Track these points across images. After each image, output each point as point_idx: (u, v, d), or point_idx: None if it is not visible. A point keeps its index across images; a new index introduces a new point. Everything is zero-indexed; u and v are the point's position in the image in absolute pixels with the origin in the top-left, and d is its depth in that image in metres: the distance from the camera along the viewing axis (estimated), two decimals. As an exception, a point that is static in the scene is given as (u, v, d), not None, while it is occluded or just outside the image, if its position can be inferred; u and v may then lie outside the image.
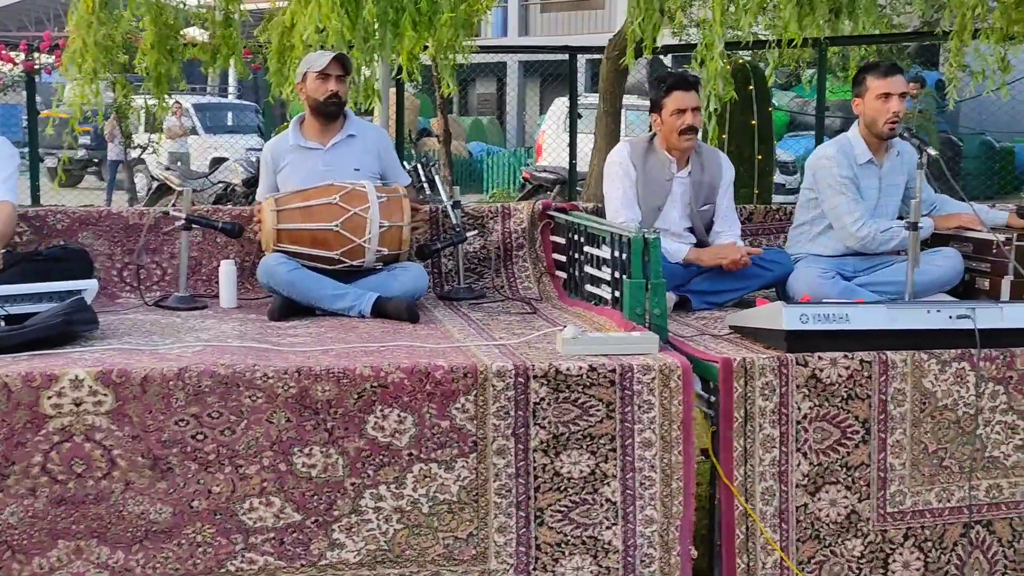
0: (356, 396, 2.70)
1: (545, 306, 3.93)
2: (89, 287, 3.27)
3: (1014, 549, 3.12)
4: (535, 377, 2.79)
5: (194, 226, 3.78)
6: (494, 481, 2.79)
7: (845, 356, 2.96)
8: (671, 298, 3.82)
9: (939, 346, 3.04)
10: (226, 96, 21.87)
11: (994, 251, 3.75)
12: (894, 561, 3.05)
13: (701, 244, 4.06)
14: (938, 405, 3.03)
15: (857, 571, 3.03)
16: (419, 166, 11.68)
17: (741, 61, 8.29)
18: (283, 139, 4.02)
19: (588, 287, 3.77)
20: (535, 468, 2.81)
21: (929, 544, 3.07)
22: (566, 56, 9.54)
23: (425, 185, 11.76)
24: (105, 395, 2.61)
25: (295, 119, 4.05)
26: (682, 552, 2.88)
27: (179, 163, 14.68)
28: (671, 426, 2.86)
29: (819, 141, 9.37)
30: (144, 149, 12.64)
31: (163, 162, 13.99)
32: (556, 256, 4.20)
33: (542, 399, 2.79)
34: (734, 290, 3.88)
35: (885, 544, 3.04)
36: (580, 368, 2.81)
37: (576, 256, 3.91)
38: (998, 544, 3.12)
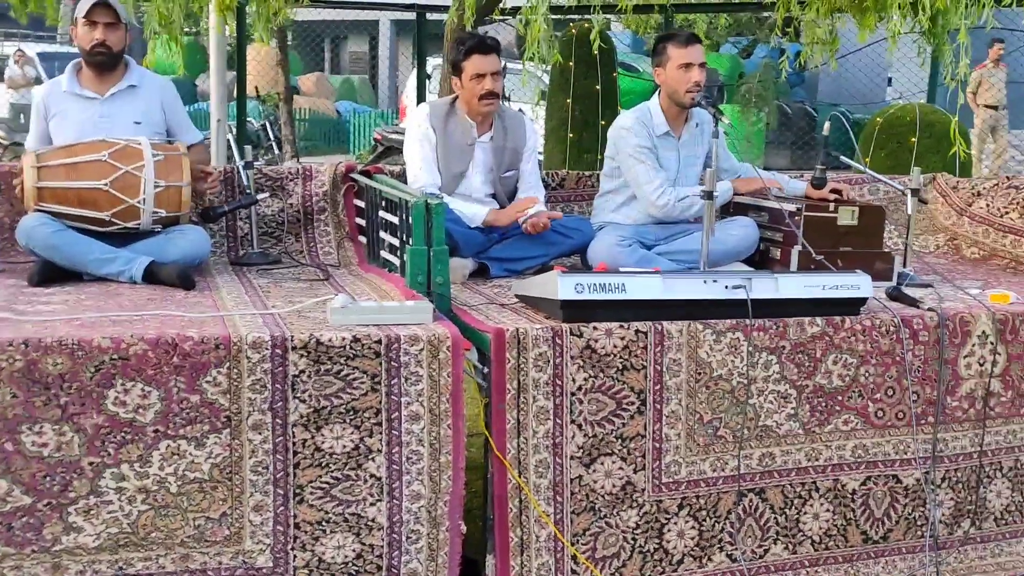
0: (93, 370, 2.51)
1: (342, 273, 3.79)
2: None
3: (785, 516, 3.16)
4: (294, 348, 2.65)
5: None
6: (250, 458, 2.65)
7: (620, 327, 2.92)
8: (469, 265, 3.74)
9: (715, 316, 3.02)
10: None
11: (785, 222, 3.78)
12: (669, 531, 3.04)
13: (505, 212, 3.97)
14: (713, 375, 3.03)
15: (632, 541, 3.01)
16: (266, 124, 11.38)
17: (588, 25, 8.25)
18: (57, 84, 3.74)
19: (383, 253, 3.65)
20: (294, 444, 2.68)
21: (704, 513, 3.08)
22: (443, 16, 9.28)
23: (273, 144, 11.45)
24: None
25: (72, 64, 3.76)
26: (451, 527, 2.81)
27: (21, 116, 13.89)
28: (440, 399, 2.77)
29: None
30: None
31: (4, 114, 13.23)
32: (360, 221, 4.05)
33: (302, 371, 2.66)
34: (533, 257, 3.82)
35: (660, 514, 3.03)
36: (343, 339, 2.68)
37: (375, 221, 3.78)
38: (770, 511, 3.15)
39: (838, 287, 3.12)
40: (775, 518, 3.16)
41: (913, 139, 7.40)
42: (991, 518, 3.41)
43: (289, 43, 23.66)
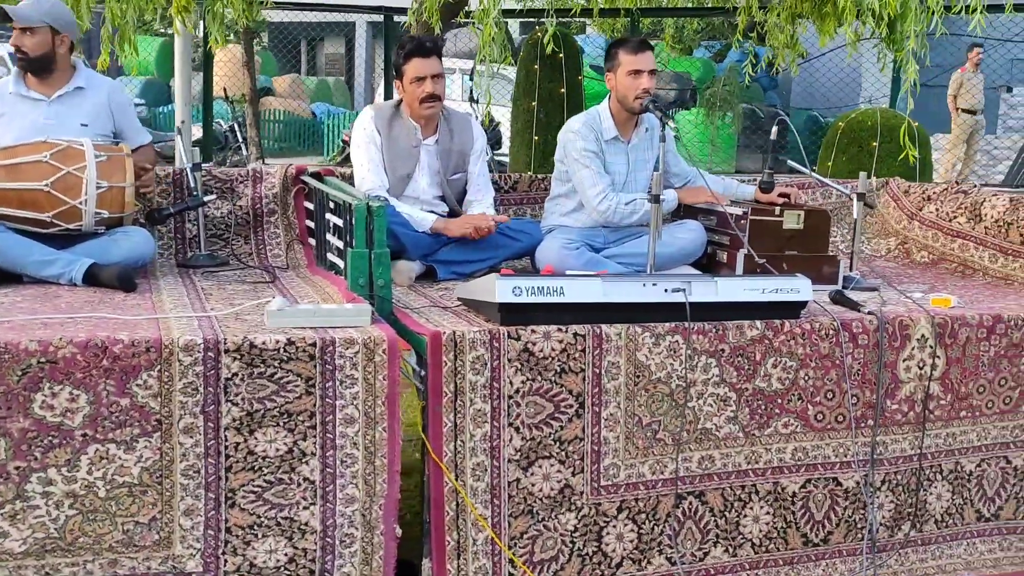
0: (20, 373, 2.49)
1: (289, 275, 3.78)
2: None
3: (725, 518, 3.17)
4: (227, 351, 2.63)
5: None
6: (181, 461, 2.63)
7: (559, 330, 2.92)
8: (416, 267, 3.74)
9: (656, 319, 3.03)
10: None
11: (732, 225, 3.79)
12: (608, 534, 3.05)
13: (454, 213, 3.97)
14: (652, 378, 3.03)
15: (571, 544, 3.01)
16: (235, 126, 11.33)
17: (553, 29, 8.25)
18: (4, 86, 3.71)
19: (330, 256, 3.63)
20: (227, 447, 2.66)
21: (643, 516, 3.08)
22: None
23: (242, 145, 11.40)
24: None
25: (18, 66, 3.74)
26: (386, 531, 2.80)
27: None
28: (375, 402, 2.76)
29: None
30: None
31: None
32: (311, 223, 4.04)
33: (235, 374, 2.64)
34: (481, 260, 3.82)
35: (599, 517, 3.03)
36: (277, 342, 2.67)
37: (323, 224, 3.76)
38: (710, 514, 3.16)
39: (778, 290, 3.13)
40: (715, 521, 3.16)
41: (874, 143, 7.45)
42: (931, 521, 3.44)
43: (265, 45, 23.59)
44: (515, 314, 2.91)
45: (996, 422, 3.48)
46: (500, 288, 2.88)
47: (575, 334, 2.93)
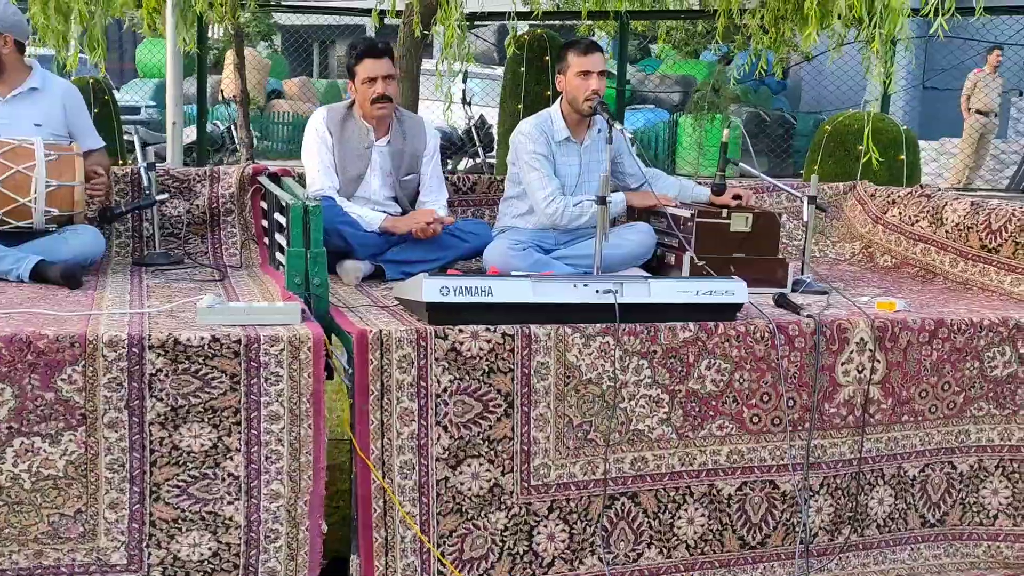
0: (-57, 366, 2.54)
1: (240, 274, 3.82)
2: None
3: (659, 520, 3.18)
4: (151, 347, 2.67)
5: None
6: (105, 455, 2.67)
7: (487, 330, 2.94)
8: (363, 267, 3.77)
9: (587, 320, 3.04)
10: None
11: (680, 227, 3.80)
12: (539, 533, 3.06)
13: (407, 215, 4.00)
14: (583, 379, 3.05)
15: (501, 544, 3.03)
16: (232, 127, 11.41)
17: (540, 32, 8.29)
18: None
19: (278, 255, 3.67)
20: (152, 441, 2.70)
21: (575, 516, 3.10)
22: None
23: (238, 146, 11.45)
24: None
25: None
26: (311, 527, 2.83)
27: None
28: (300, 399, 2.79)
29: (620, 115, 9.47)
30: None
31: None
32: (266, 223, 4.08)
33: (159, 370, 2.68)
34: (429, 260, 3.84)
35: (529, 517, 3.05)
36: (202, 339, 2.70)
37: (273, 223, 3.80)
38: (643, 515, 3.17)
39: (712, 292, 3.15)
40: (648, 522, 3.18)
41: (860, 147, 7.44)
42: (873, 525, 3.43)
43: (278, 48, 23.68)
44: (443, 314, 2.93)
45: (940, 427, 3.48)
46: (427, 288, 2.90)
47: (504, 334, 2.95)
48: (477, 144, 12.15)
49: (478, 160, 12.17)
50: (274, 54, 23.15)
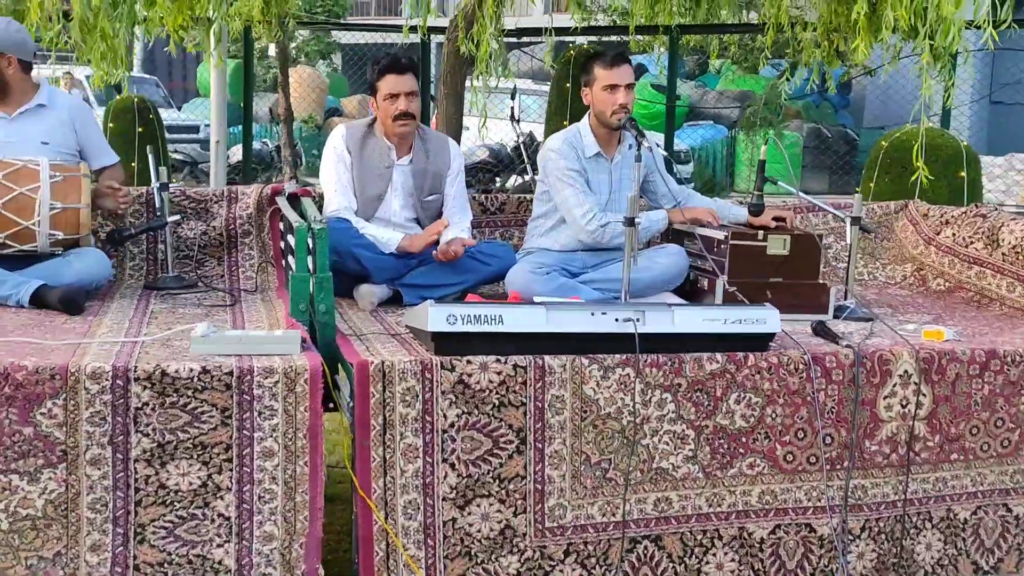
0: (-83, 399, 2.42)
1: (254, 298, 3.68)
2: None
3: (685, 565, 2.95)
4: (136, 380, 2.52)
5: None
6: (87, 494, 2.52)
7: (497, 360, 2.75)
8: (379, 292, 3.61)
9: (605, 351, 2.84)
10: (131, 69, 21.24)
11: (713, 250, 3.57)
12: (554, 579, 2.86)
13: (431, 239, 3.82)
14: (601, 413, 2.84)
15: (513, 590, 2.83)
16: (280, 145, 11.41)
17: (587, 47, 8.10)
18: None
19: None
20: (137, 480, 2.55)
21: (593, 560, 2.88)
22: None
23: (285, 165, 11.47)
24: None
25: None
26: (307, 571, 2.65)
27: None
28: (296, 434, 2.62)
29: (670, 132, 9.23)
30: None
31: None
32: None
33: (145, 404, 2.53)
34: (449, 284, 3.66)
35: (544, 561, 2.85)
36: (191, 370, 2.55)
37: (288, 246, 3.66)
38: (668, 560, 2.94)
39: (741, 321, 2.92)
40: (673, 567, 2.95)
41: (918, 164, 7.12)
42: (921, 572, 3.17)
43: (337, 67, 23.82)
44: (451, 343, 2.75)
45: (993, 466, 3.20)
46: (433, 316, 2.73)
47: (515, 365, 2.76)
48: (526, 161, 11.99)
49: (527, 177, 12.01)
50: (333, 72, 23.32)
